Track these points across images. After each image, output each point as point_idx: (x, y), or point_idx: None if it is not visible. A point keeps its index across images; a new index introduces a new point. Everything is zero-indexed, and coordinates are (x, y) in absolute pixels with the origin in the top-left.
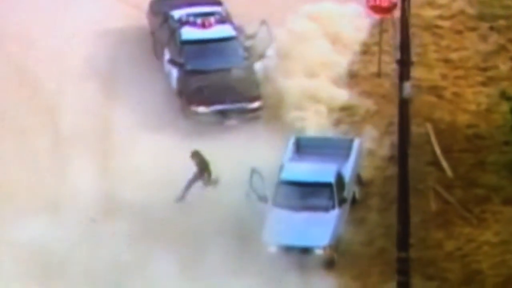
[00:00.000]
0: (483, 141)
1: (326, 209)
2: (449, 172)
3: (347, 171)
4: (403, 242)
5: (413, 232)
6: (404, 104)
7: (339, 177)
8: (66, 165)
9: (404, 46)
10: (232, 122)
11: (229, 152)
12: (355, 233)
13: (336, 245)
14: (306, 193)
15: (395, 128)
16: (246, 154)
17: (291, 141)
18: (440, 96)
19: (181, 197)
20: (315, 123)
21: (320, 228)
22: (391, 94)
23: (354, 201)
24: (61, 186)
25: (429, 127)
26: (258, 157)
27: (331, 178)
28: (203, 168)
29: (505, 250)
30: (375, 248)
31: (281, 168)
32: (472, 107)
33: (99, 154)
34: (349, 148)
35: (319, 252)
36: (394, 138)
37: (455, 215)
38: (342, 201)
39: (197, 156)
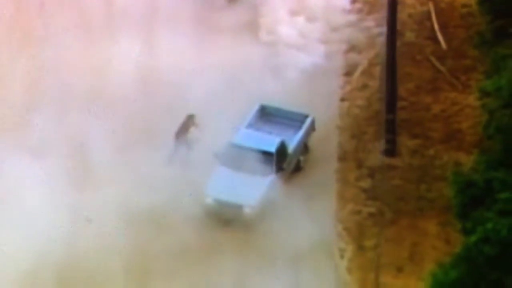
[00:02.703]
0: (474, 19)
1: (263, 174)
2: (443, 45)
3: (294, 143)
4: (390, 105)
5: (406, 97)
6: None
7: (282, 148)
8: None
9: None
10: None
11: None
12: (357, 98)
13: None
14: (249, 158)
15: None
16: None
17: (256, 108)
18: None
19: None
20: None
21: (253, 190)
22: None
23: (298, 168)
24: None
25: (431, 5)
26: None
27: (273, 148)
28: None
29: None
30: (372, 111)
31: (236, 131)
32: None
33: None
34: (302, 122)
35: (247, 209)
36: None
37: (444, 82)
38: (279, 170)
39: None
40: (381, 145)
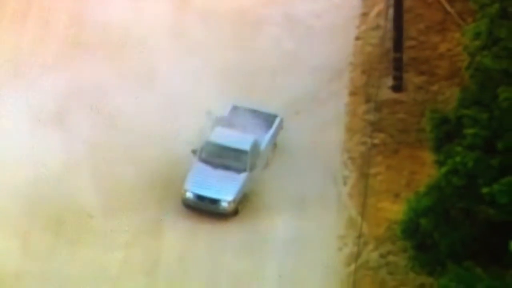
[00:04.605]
0: None
1: (238, 170)
2: None
3: (265, 141)
4: (397, 44)
5: (416, 36)
6: None
7: (255, 146)
8: None
9: None
10: None
11: None
12: (371, 37)
13: (240, 200)
14: (225, 155)
15: None
16: None
17: (229, 108)
18: None
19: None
20: None
21: (230, 185)
22: None
23: (267, 165)
24: None
25: None
26: None
27: (247, 147)
28: None
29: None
30: (384, 49)
31: (212, 129)
32: None
33: None
34: (272, 122)
35: (224, 204)
36: None
37: (452, 23)
38: (253, 166)
39: None
40: (389, 81)
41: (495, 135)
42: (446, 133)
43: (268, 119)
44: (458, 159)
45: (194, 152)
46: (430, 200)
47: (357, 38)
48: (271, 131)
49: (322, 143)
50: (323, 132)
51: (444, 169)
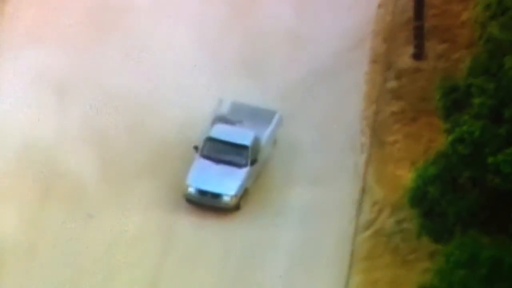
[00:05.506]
0: None
1: (239, 165)
2: None
3: (265, 137)
4: (418, 13)
5: (439, 5)
6: None
7: (256, 142)
8: None
9: None
10: None
11: None
12: (393, 5)
13: (242, 195)
14: (227, 150)
15: None
16: None
17: (228, 104)
18: None
19: None
20: None
21: (231, 180)
22: None
23: (267, 160)
24: None
25: None
26: None
27: (248, 142)
28: None
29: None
30: (405, 17)
31: (212, 125)
32: None
33: None
34: (271, 118)
35: (226, 198)
36: None
37: None
38: (254, 161)
39: None
40: (410, 49)
41: (502, 104)
42: (454, 102)
43: (267, 115)
44: (465, 127)
45: (195, 148)
46: (437, 168)
47: (379, 6)
48: (271, 126)
49: (341, 111)
50: (342, 100)
51: (450, 138)
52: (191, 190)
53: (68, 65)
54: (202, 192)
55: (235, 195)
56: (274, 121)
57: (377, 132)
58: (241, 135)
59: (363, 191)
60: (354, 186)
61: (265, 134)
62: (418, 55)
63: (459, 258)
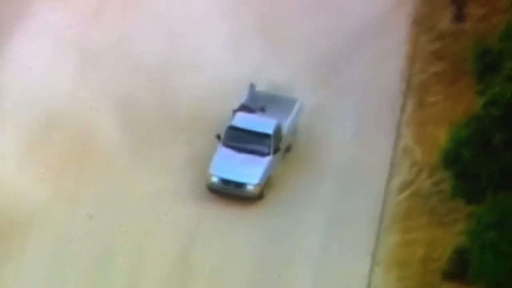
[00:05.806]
0: None
1: (262, 154)
2: None
3: (286, 125)
4: None
5: None
6: None
7: (278, 130)
8: None
9: None
10: None
11: None
12: None
13: (265, 183)
14: (249, 139)
15: None
16: None
17: (247, 93)
18: None
19: None
20: None
21: (254, 169)
22: None
23: (289, 149)
24: None
25: None
26: None
27: (270, 130)
28: None
29: None
30: None
31: (233, 114)
32: None
33: None
34: (292, 106)
35: (250, 187)
36: None
37: None
38: (276, 150)
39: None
40: (452, 11)
41: None
42: (487, 64)
43: (288, 103)
44: (496, 89)
45: (218, 137)
46: (470, 130)
47: None
48: (293, 114)
49: (380, 73)
50: (381, 62)
51: (483, 100)
52: (214, 179)
53: (94, 31)
54: (225, 181)
55: (259, 184)
56: (295, 109)
57: (417, 93)
58: (263, 123)
59: (402, 151)
60: (393, 147)
61: (287, 123)
62: (460, 18)
63: (490, 219)
